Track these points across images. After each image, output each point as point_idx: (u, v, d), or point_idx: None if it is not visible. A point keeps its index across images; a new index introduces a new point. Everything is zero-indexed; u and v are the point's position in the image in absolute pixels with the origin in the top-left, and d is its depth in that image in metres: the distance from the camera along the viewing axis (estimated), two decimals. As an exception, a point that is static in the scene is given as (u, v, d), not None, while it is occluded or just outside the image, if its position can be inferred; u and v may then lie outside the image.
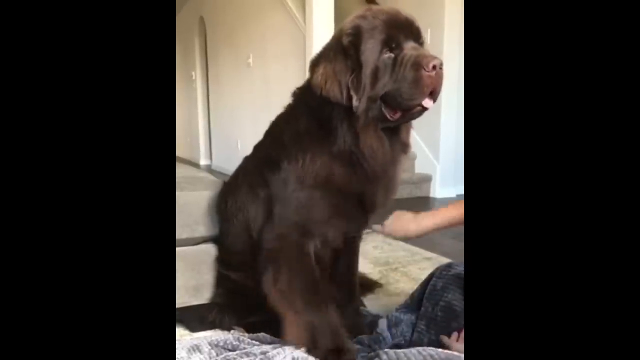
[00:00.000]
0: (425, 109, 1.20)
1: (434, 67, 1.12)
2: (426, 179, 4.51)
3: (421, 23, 4.53)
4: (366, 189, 1.26)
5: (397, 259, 2.48)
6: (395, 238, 1.57)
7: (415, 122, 4.93)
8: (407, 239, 1.55)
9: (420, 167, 4.62)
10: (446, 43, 4.25)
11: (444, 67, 3.87)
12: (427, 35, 4.36)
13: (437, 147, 4.45)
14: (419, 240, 2.84)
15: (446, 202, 4.32)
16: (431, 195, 4.51)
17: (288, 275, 1.29)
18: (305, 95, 1.31)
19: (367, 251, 2.63)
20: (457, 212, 1.47)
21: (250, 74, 5.50)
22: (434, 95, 1.17)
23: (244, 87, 5.74)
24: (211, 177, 2.01)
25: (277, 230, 1.30)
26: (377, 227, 1.51)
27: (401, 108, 1.19)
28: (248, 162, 1.48)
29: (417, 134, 4.64)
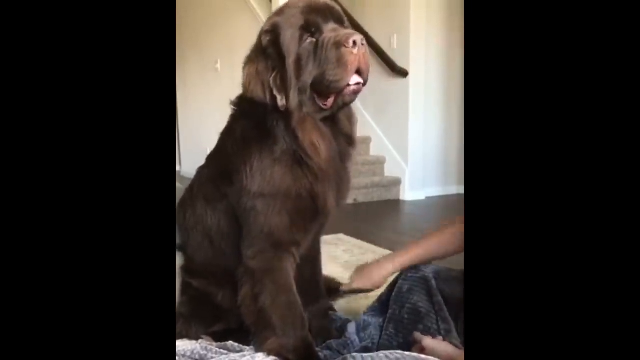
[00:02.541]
0: (358, 88, 1.16)
1: (355, 42, 1.10)
2: (395, 182, 4.57)
3: (387, 29, 4.60)
4: (316, 188, 1.24)
5: (367, 262, 2.49)
6: (363, 291, 1.55)
7: (383, 126, 4.97)
8: (375, 289, 1.52)
9: (389, 171, 4.68)
10: (412, 48, 4.33)
11: (410, 72, 3.86)
12: (394, 41, 4.44)
13: (406, 151, 4.52)
14: (389, 243, 2.87)
15: (415, 204, 4.40)
16: (401, 198, 4.57)
17: (268, 295, 1.28)
18: (242, 102, 1.30)
19: (338, 255, 2.65)
20: (419, 250, 1.45)
21: (218, 79, 5.46)
22: (361, 74, 1.15)
23: (212, 93, 5.68)
24: (178, 185, 1.98)
25: (255, 246, 1.28)
26: (344, 287, 1.51)
27: (330, 91, 1.16)
28: (202, 174, 1.46)
29: (386, 137, 4.70)
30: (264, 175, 1.22)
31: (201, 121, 6.08)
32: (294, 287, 1.31)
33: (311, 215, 1.28)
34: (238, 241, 1.31)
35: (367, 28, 4.60)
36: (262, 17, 4.30)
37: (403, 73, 4.37)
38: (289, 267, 1.30)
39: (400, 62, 4.38)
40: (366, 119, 4.83)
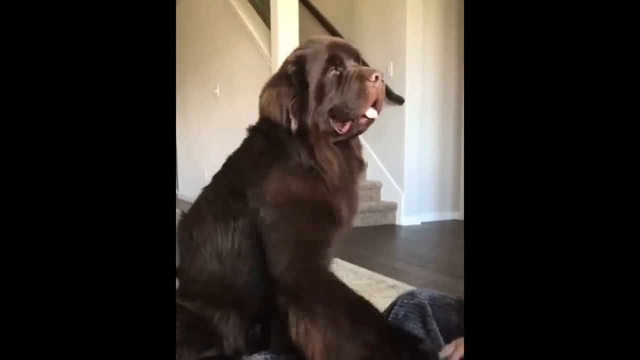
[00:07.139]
0: (370, 120, 1.29)
1: (377, 77, 1.24)
2: (391, 207, 4.59)
3: (384, 57, 4.70)
4: (330, 200, 1.28)
5: (362, 288, 2.49)
6: None
7: (380, 152, 5.01)
8: None
9: (385, 196, 4.70)
10: (408, 76, 4.42)
11: (407, 99, 3.96)
12: (390, 69, 4.52)
13: (402, 176, 4.55)
14: (384, 268, 2.87)
15: (411, 229, 4.40)
16: (397, 223, 4.58)
17: (333, 320, 1.10)
18: (258, 125, 1.38)
19: (333, 280, 2.64)
20: None
21: (217, 105, 5.52)
22: (377, 105, 1.28)
23: (211, 117, 5.74)
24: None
25: (285, 258, 1.20)
26: None
27: (348, 118, 1.28)
28: (209, 192, 1.46)
29: (382, 163, 4.74)
30: (281, 185, 1.27)
31: (199, 145, 6.12)
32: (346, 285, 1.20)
33: (330, 222, 1.28)
34: (250, 258, 1.30)
35: (364, 56, 4.67)
36: (261, 45, 4.38)
37: (399, 100, 4.44)
38: (328, 266, 1.26)
39: (396, 90, 4.46)
40: (363, 145, 4.88)
